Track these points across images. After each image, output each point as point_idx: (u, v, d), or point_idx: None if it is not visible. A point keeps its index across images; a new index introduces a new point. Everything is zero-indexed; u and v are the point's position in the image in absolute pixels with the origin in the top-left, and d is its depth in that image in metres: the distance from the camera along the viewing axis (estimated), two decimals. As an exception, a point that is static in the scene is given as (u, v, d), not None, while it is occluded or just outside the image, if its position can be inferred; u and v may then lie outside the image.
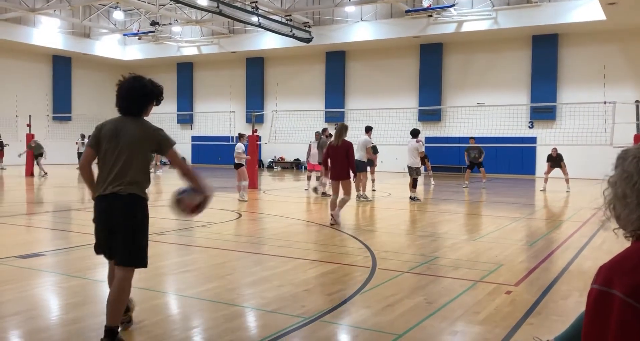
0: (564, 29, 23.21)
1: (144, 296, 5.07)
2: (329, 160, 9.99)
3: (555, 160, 17.26)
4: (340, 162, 9.69)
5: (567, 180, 17.14)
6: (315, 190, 15.08)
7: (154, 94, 4.11)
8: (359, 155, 13.92)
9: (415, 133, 14.26)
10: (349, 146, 9.77)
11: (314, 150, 16.76)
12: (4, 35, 27.18)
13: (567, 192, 16.65)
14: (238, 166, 13.62)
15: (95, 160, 3.95)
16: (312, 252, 7.33)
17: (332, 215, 9.65)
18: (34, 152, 21.88)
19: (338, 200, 9.80)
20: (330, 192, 14.63)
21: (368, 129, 14.46)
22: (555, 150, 17.33)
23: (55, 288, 5.41)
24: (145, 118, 4.14)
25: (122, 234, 3.80)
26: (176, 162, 4.03)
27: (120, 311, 3.80)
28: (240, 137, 14.07)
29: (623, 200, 1.57)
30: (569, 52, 23.96)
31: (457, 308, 4.73)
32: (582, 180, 20.07)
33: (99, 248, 3.99)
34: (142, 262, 3.94)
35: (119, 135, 3.85)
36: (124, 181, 3.78)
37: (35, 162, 21.82)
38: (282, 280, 5.68)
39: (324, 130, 15.50)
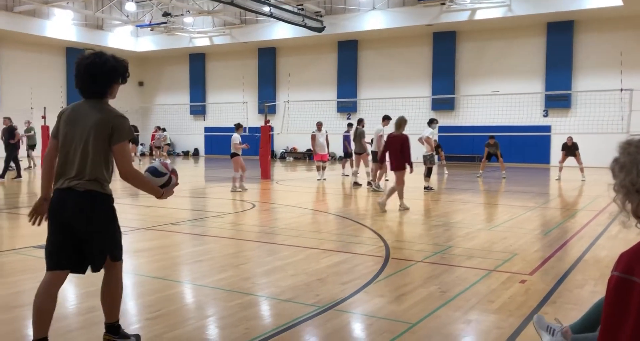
0: (580, 15, 22.88)
1: (159, 285, 5.12)
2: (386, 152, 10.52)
3: (570, 149, 17.09)
4: (395, 153, 10.18)
5: (581, 170, 16.98)
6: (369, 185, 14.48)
7: (118, 71, 3.53)
8: (374, 145, 13.95)
9: (429, 122, 14.40)
10: (404, 139, 10.20)
11: (321, 140, 16.85)
12: (18, 27, 27.38)
13: (582, 180, 16.50)
14: (233, 155, 13.65)
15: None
16: (325, 241, 7.35)
17: (399, 204, 10.26)
18: (28, 142, 21.72)
19: (388, 188, 10.33)
20: (360, 181, 14.79)
21: (384, 118, 14.30)
22: (570, 139, 17.14)
23: (71, 278, 5.46)
24: (110, 101, 3.64)
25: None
26: (119, 160, 3.36)
27: (119, 306, 3.64)
28: (238, 127, 14.02)
29: (634, 192, 1.57)
30: (585, 39, 23.63)
31: (471, 297, 4.72)
32: (597, 168, 19.88)
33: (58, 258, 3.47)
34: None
35: (77, 122, 3.41)
36: (82, 176, 3.31)
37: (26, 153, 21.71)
38: (296, 269, 5.70)
39: (360, 120, 15.58)
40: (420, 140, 14.20)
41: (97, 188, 3.36)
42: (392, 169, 10.43)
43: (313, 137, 17.04)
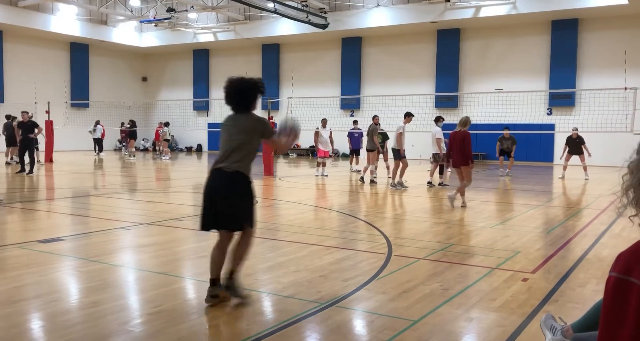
0: (585, 13, 22.80)
1: (162, 280, 5.14)
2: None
3: (576, 144, 16.83)
4: (459, 149, 10.35)
5: (584, 168, 16.90)
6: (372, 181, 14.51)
7: (258, 88, 4.68)
8: (394, 142, 13.86)
9: (436, 119, 14.36)
10: (466, 135, 10.35)
11: (325, 137, 16.89)
12: (22, 22, 27.42)
13: (585, 179, 16.45)
14: None
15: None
16: (328, 238, 7.35)
17: (461, 200, 10.46)
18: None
19: (459, 186, 10.50)
20: (369, 178, 14.79)
21: (406, 115, 14.12)
22: (576, 132, 16.91)
23: (75, 272, 5.50)
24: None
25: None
26: (272, 145, 4.73)
27: (241, 263, 4.58)
28: None
29: (637, 188, 1.56)
30: (589, 37, 23.55)
31: (473, 295, 4.72)
32: (601, 167, 19.84)
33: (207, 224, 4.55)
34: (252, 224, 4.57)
35: (235, 128, 4.58)
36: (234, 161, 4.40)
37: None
38: (298, 265, 5.71)
39: (374, 117, 15.34)
40: (438, 140, 14.11)
41: (242, 170, 4.43)
42: (454, 166, 10.52)
43: (316, 134, 17.09)
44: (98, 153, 27.23)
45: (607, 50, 23.00)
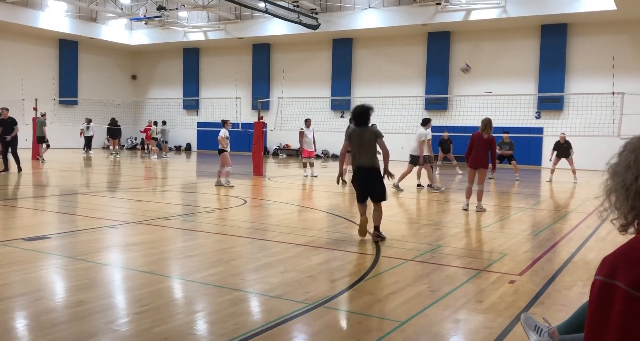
0: (574, 18, 22.98)
1: (148, 279, 5.10)
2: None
3: (564, 148, 16.93)
4: (485, 152, 10.32)
5: (573, 171, 17.01)
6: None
7: (370, 112, 7.51)
8: (416, 149, 13.64)
9: (424, 122, 14.24)
10: (492, 140, 10.46)
11: (310, 137, 16.83)
12: (10, 17, 27.14)
13: (574, 183, 16.55)
14: (221, 151, 13.65)
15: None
16: (316, 238, 7.34)
17: (477, 205, 10.24)
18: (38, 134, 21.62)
19: (477, 192, 10.27)
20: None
21: (426, 122, 14.00)
22: (564, 136, 17.00)
23: (60, 271, 5.45)
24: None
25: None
26: (382, 147, 7.35)
27: (380, 220, 7.28)
28: (224, 122, 13.92)
29: (621, 191, 1.57)
30: (578, 42, 23.74)
31: (460, 297, 4.74)
32: (588, 171, 20.00)
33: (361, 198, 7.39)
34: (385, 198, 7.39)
35: (361, 136, 7.33)
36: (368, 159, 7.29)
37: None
38: (286, 266, 5.70)
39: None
40: (428, 141, 13.98)
41: (376, 165, 7.31)
42: (475, 166, 10.33)
43: (301, 134, 16.98)
44: (87, 151, 27.07)
45: (595, 55, 23.20)
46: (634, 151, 1.58)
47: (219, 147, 13.68)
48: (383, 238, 7.11)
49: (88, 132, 27.06)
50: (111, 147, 25.64)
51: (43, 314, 4.08)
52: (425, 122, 14.12)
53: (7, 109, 16.93)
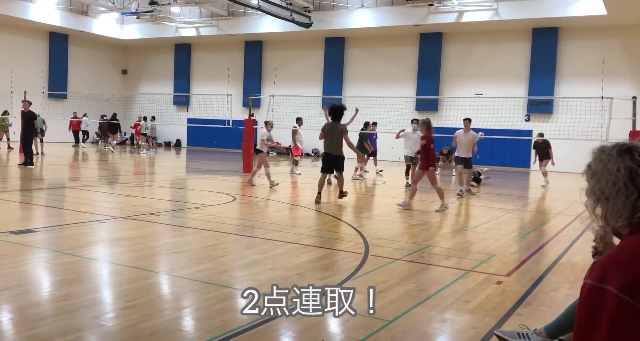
0: (564, 22, 23.12)
1: (136, 275, 5.08)
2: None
3: (543, 149, 16.71)
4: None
5: (544, 173, 16.58)
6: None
7: (343, 110, 10.30)
8: (465, 150, 13.28)
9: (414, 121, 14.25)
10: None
11: (303, 136, 16.89)
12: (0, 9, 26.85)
13: (542, 186, 16.14)
14: (258, 151, 13.59)
15: None
16: (306, 236, 7.34)
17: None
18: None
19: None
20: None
21: (468, 120, 13.71)
22: (541, 137, 16.80)
23: (47, 265, 5.41)
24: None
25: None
26: (346, 140, 10.24)
27: (342, 185, 10.49)
28: (267, 123, 13.92)
29: (604, 200, 1.58)
30: (569, 46, 23.89)
31: (447, 297, 4.75)
32: (577, 174, 20.12)
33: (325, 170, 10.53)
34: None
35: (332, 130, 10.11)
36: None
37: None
38: (275, 263, 5.69)
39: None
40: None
41: (341, 154, 10.50)
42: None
43: (295, 132, 16.95)
44: (77, 144, 26.94)
45: (585, 59, 23.35)
46: (607, 159, 1.60)
47: (257, 147, 13.69)
48: (345, 194, 10.59)
49: (82, 126, 27.10)
50: (111, 141, 25.89)
51: (28, 308, 4.05)
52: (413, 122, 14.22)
53: (29, 102, 16.93)
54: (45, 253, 5.80)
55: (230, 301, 4.48)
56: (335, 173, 10.84)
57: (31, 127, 16.33)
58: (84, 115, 27.73)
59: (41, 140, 21.30)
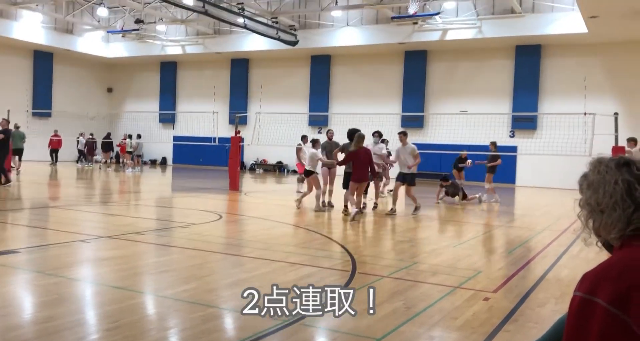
0: (547, 40, 23.50)
1: (120, 295, 5.00)
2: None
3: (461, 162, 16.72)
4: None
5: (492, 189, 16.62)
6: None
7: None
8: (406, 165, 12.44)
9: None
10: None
11: (307, 154, 16.30)
12: (-17, 28, 26.73)
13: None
14: (310, 173, 12.36)
15: None
16: (293, 254, 7.30)
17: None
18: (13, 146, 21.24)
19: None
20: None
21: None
22: (465, 152, 16.95)
23: (29, 286, 5.32)
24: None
25: None
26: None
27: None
28: (315, 142, 12.84)
29: (598, 212, 1.59)
30: (552, 63, 24.26)
31: (435, 314, 4.74)
32: (561, 190, 20.31)
33: None
34: None
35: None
36: None
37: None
38: (262, 282, 5.64)
39: (329, 131, 14.20)
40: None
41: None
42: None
43: (299, 150, 16.24)
44: (54, 163, 26.75)
45: (568, 76, 23.71)
46: (605, 171, 1.60)
47: (309, 168, 12.44)
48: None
49: (79, 145, 27.12)
50: (103, 160, 26.00)
51: (10, 330, 3.97)
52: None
53: (7, 121, 16.73)
54: (27, 274, 5.70)
55: (217, 321, 4.43)
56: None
57: (5, 146, 16.00)
58: (80, 134, 27.75)
59: (19, 159, 21.14)
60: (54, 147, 27.15)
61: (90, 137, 28.13)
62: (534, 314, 4.88)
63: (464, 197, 15.18)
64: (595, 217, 1.61)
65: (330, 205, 12.84)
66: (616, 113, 14.40)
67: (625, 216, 1.54)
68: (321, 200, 12.45)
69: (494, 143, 16.94)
